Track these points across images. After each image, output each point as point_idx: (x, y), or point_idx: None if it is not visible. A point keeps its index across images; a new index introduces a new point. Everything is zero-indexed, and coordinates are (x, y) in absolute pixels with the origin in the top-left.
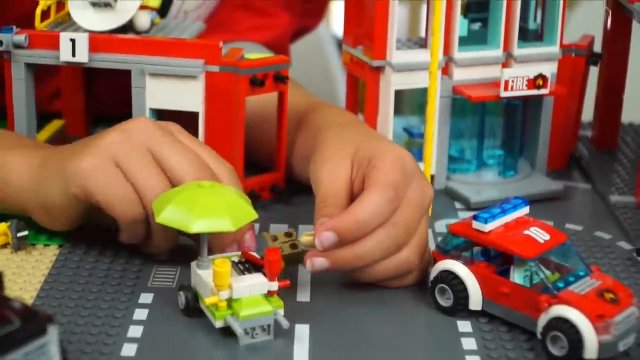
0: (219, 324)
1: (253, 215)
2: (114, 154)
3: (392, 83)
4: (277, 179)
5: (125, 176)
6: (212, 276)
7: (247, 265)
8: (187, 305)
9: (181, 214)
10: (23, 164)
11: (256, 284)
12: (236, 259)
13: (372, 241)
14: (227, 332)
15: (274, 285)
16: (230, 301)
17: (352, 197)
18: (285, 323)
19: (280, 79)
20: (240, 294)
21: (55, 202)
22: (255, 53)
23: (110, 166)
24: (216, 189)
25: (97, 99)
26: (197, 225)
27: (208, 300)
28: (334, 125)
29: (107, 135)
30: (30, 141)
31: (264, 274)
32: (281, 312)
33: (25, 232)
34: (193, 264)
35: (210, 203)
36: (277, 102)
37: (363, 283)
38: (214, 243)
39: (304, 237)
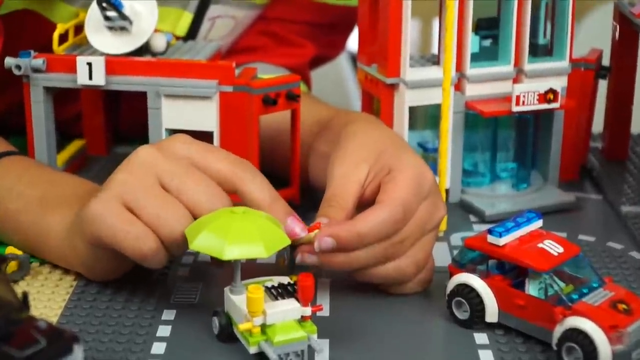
0: (253, 349)
1: (286, 240)
2: (121, 194)
3: (406, 100)
4: (292, 195)
5: (136, 215)
6: (246, 302)
7: (280, 290)
8: (221, 331)
9: (215, 240)
10: (60, 223)
11: (290, 309)
12: (269, 284)
13: (363, 249)
14: (262, 357)
15: (307, 311)
16: (264, 327)
17: (364, 201)
18: (319, 348)
19: (292, 97)
20: (274, 320)
21: (84, 253)
22: (271, 74)
23: (117, 207)
24: (249, 216)
25: (122, 119)
26: (230, 252)
27: (242, 327)
28: (360, 120)
29: (115, 176)
30: (74, 189)
31: (297, 300)
32: (315, 337)
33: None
34: (226, 289)
35: (243, 229)
36: (290, 119)
37: (379, 295)
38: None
39: None
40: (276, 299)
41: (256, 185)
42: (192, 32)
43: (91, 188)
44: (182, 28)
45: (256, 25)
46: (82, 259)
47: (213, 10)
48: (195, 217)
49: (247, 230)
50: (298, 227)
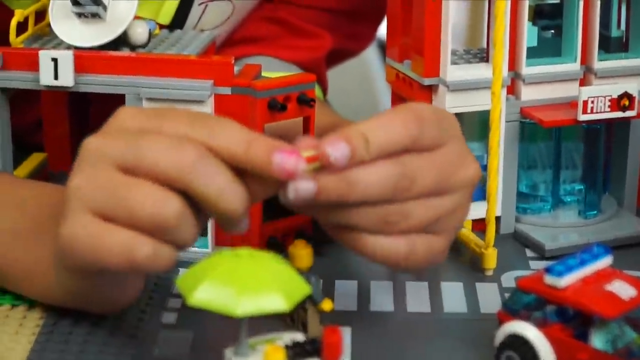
0: None
1: (305, 288)
2: (83, 204)
3: (447, 105)
4: (303, 223)
5: (111, 220)
6: None
7: (298, 349)
8: None
9: (221, 292)
10: (40, 258)
11: None
12: (280, 343)
13: (373, 169)
14: None
15: None
16: None
17: None
18: None
19: (305, 101)
20: None
21: (76, 287)
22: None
23: (85, 221)
24: (257, 259)
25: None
26: (243, 306)
27: None
28: None
29: (69, 185)
30: (48, 206)
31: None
32: None
33: None
34: (228, 351)
35: (254, 277)
36: (303, 129)
37: (409, 347)
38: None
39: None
40: None
41: (223, 132)
42: (179, 20)
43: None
44: (167, 14)
45: (260, 10)
46: (76, 295)
47: None
48: (169, 183)
49: (259, 277)
50: (291, 160)
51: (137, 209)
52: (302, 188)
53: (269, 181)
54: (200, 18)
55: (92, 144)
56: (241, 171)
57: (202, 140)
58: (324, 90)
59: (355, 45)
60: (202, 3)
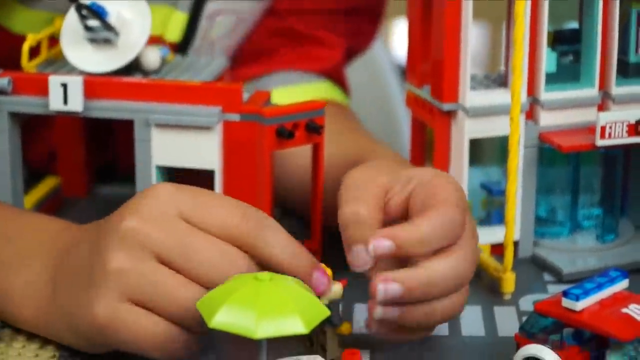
0: None
1: (324, 311)
2: (124, 290)
3: (465, 131)
4: (313, 249)
5: (146, 308)
6: None
7: None
8: None
9: (241, 315)
10: (31, 298)
11: None
12: None
13: (445, 262)
14: None
15: None
16: None
17: (390, 215)
18: None
19: (314, 128)
20: None
21: (77, 344)
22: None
23: (127, 309)
24: (277, 282)
25: (120, 155)
26: (263, 328)
27: None
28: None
29: (108, 266)
30: (37, 240)
31: None
32: None
33: None
34: None
35: (274, 300)
36: (311, 156)
37: None
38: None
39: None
40: None
41: (276, 241)
42: (189, 34)
43: (55, 231)
44: (174, 31)
45: (265, 23)
46: (71, 342)
47: (212, 6)
48: (211, 286)
49: (279, 300)
50: (326, 281)
51: (180, 305)
52: (391, 288)
53: None
54: (207, 31)
55: (131, 226)
56: None
57: (253, 240)
58: (347, 93)
59: (359, 43)
60: (209, 17)
